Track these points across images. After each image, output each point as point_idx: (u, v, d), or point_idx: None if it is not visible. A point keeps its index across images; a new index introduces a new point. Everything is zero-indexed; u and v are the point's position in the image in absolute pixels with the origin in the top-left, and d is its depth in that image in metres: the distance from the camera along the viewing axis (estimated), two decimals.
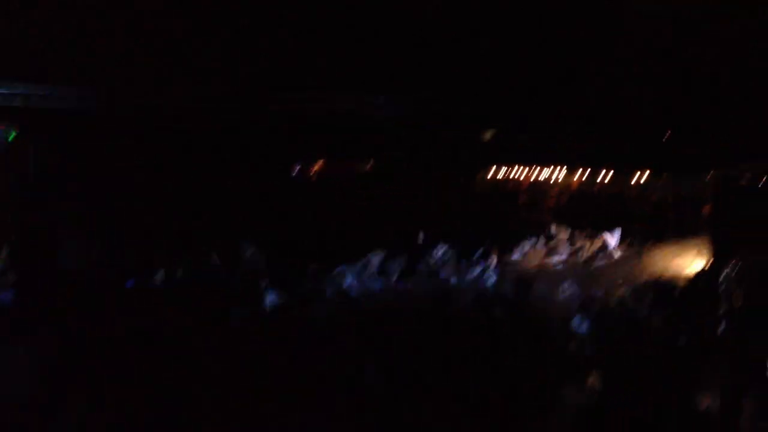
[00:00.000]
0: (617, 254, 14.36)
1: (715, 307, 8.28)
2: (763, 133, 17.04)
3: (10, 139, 20.01)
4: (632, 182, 29.60)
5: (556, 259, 13.54)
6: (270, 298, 10.68)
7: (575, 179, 33.52)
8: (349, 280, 11.61)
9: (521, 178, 34.14)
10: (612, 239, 15.66)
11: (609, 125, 24.05)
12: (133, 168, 20.44)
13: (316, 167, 33.38)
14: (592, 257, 13.72)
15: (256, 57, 21.78)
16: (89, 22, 19.40)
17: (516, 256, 13.78)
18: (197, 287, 11.33)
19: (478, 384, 8.43)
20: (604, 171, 30.27)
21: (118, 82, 20.11)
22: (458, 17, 22.23)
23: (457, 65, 23.16)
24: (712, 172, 18.66)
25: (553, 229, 16.83)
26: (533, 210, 27.44)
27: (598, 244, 15.35)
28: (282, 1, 21.41)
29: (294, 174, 30.85)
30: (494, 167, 33.18)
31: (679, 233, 21.57)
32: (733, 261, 7.13)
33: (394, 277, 12.26)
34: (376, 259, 12.97)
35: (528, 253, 13.91)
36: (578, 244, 14.89)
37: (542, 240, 15.32)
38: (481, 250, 13.88)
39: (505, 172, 34.30)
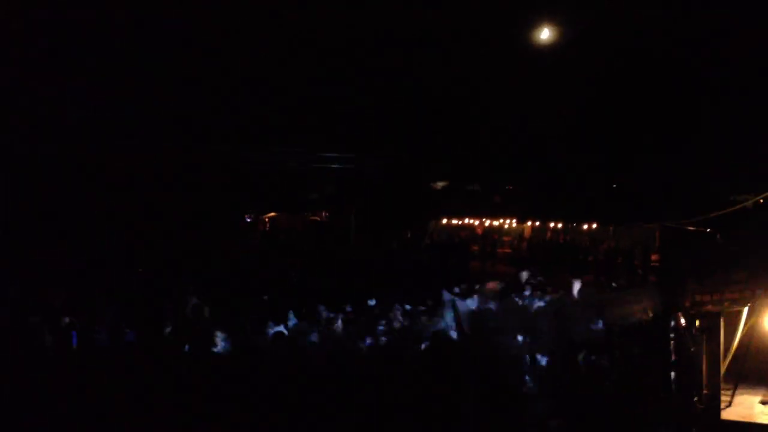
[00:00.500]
0: (568, 299, 14.40)
1: (663, 353, 8.33)
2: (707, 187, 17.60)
3: None
4: (582, 230, 30.24)
5: (509, 304, 13.52)
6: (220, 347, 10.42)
7: (527, 227, 34.10)
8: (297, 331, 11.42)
9: (475, 227, 34.57)
10: (562, 285, 15.78)
11: (560, 180, 24.63)
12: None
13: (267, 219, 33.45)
14: (544, 302, 13.71)
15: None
16: None
17: (469, 302, 13.70)
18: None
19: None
20: (553, 221, 30.92)
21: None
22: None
23: (412, 124, 23.75)
24: (657, 223, 19.10)
25: (504, 276, 16.91)
26: (486, 257, 27.63)
27: (548, 289, 15.38)
28: None
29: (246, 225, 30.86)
30: (447, 217, 33.67)
31: (629, 280, 21.94)
32: (680, 308, 7.22)
33: (344, 327, 12.09)
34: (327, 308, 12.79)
35: (481, 298, 13.84)
36: (530, 290, 14.90)
37: (494, 286, 15.32)
38: (433, 297, 13.84)
39: (459, 222, 34.73)
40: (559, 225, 30.35)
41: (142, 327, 10.55)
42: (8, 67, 18.35)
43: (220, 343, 10.08)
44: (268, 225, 33.16)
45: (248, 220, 31.17)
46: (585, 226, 29.15)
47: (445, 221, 33.31)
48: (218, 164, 22.74)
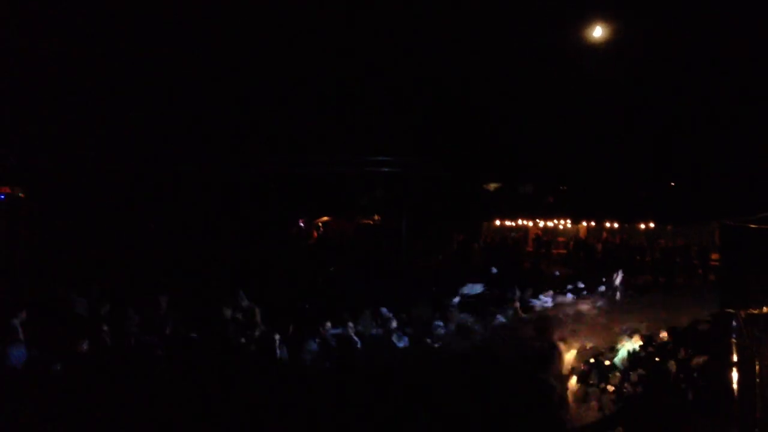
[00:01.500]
0: (627, 300, 14.19)
1: (726, 358, 8.12)
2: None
3: None
4: (639, 230, 29.70)
5: (566, 305, 13.38)
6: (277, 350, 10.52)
7: (582, 228, 33.63)
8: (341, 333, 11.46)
9: (529, 228, 34.28)
10: (620, 286, 15.51)
11: (615, 177, 24.22)
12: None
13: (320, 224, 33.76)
14: (602, 303, 13.51)
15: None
16: None
17: (529, 302, 13.63)
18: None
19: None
20: (609, 221, 30.44)
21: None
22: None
23: (463, 125, 23.73)
24: (717, 221, 18.60)
25: (561, 275, 16.73)
26: (540, 258, 27.37)
27: (607, 290, 15.16)
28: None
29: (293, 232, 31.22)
30: (500, 219, 33.45)
31: (687, 280, 21.44)
32: (741, 307, 7.03)
33: (400, 329, 12.07)
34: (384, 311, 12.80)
35: (542, 300, 13.74)
36: (587, 292, 14.71)
37: (553, 287, 15.18)
38: (491, 297, 13.79)
39: (513, 224, 34.49)
40: (615, 225, 29.90)
41: (201, 330, 10.73)
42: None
43: (277, 346, 10.17)
44: (321, 229, 33.46)
45: (302, 224, 31.52)
46: (642, 226, 28.66)
47: (498, 223, 33.13)
48: (272, 171, 23.09)
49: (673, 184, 24.54)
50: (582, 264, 24.72)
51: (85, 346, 9.20)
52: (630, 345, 10.23)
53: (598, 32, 20.14)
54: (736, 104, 19.43)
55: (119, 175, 21.19)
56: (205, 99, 21.55)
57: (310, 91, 22.78)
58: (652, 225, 28.29)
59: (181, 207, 22.26)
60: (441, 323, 12.05)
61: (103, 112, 20.37)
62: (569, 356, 9.94)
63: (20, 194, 21.45)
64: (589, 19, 20.27)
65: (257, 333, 10.90)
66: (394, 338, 11.14)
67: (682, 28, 19.28)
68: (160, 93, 20.90)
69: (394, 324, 11.57)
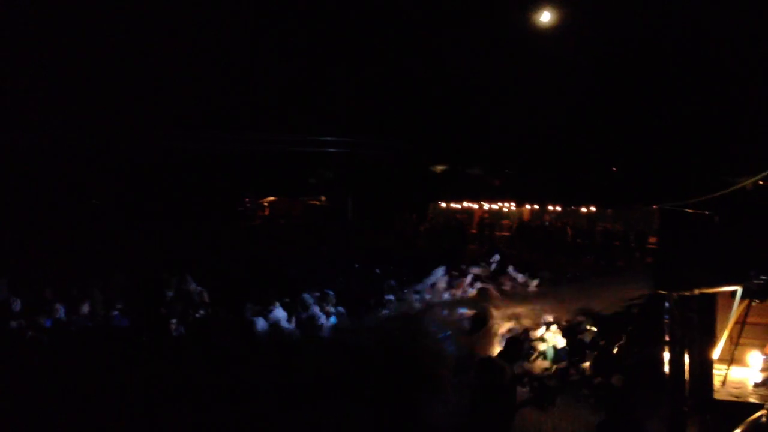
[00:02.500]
0: (564, 283, 14.45)
1: (658, 338, 8.39)
2: (707, 166, 17.56)
3: None
4: (581, 213, 30.26)
5: (503, 287, 13.56)
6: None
7: (526, 211, 34.09)
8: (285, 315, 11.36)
9: (474, 210, 34.57)
10: (557, 269, 15.81)
11: (558, 163, 24.60)
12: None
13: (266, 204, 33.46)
14: (540, 286, 13.73)
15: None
16: None
17: (464, 282, 13.73)
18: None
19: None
20: (552, 204, 30.91)
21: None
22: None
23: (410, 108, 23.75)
24: (655, 205, 19.10)
25: (500, 258, 16.93)
26: (484, 240, 27.66)
27: (544, 273, 15.40)
28: None
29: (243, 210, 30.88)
30: (446, 201, 33.64)
31: (626, 263, 21.98)
32: (677, 293, 7.24)
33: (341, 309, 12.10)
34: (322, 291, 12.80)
35: (476, 280, 13.85)
36: (524, 274, 14.90)
37: (491, 268, 15.30)
38: (430, 278, 13.84)
39: (459, 206, 34.71)
40: (558, 208, 30.41)
41: (139, 311, 10.56)
42: None
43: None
44: (267, 209, 33.18)
45: (247, 204, 31.20)
46: (584, 209, 29.22)
47: (444, 205, 33.34)
48: (217, 149, 22.74)
49: (614, 168, 25.04)
50: (525, 247, 25.13)
51: None
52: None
53: (545, 17, 20.33)
54: (677, 91, 19.88)
55: (56, 153, 20.53)
56: (148, 74, 21.09)
57: (258, 69, 22.50)
58: (593, 209, 28.87)
59: (123, 187, 21.77)
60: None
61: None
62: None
63: None
64: (536, 3, 20.45)
65: (200, 314, 10.80)
66: (323, 320, 11.11)
67: (626, 12, 19.63)
68: (103, 66, 20.38)
69: (317, 309, 11.49)
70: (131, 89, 20.93)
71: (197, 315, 10.71)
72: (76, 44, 19.76)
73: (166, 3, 20.33)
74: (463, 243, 25.10)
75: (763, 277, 6.74)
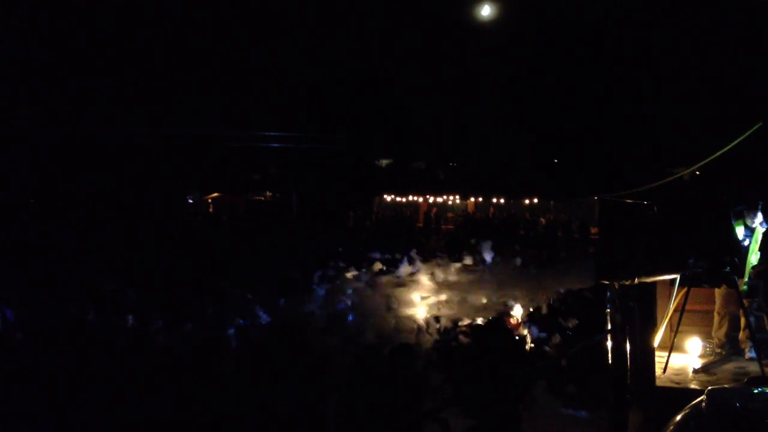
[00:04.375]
0: (506, 272, 14.61)
1: (600, 324, 8.52)
2: (645, 160, 17.92)
3: None
4: (524, 205, 30.64)
5: (448, 277, 13.65)
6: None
7: (471, 203, 34.35)
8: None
9: (419, 204, 34.67)
10: (498, 258, 15.95)
11: (501, 156, 24.87)
12: None
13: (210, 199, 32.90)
14: (481, 275, 13.85)
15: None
16: None
17: (413, 273, 13.75)
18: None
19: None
20: (495, 197, 31.25)
21: None
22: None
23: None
24: (595, 196, 19.40)
25: (444, 250, 17.02)
26: (430, 233, 27.74)
27: (486, 263, 15.52)
28: None
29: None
30: (392, 195, 33.65)
31: (567, 254, 22.33)
32: (618, 282, 7.37)
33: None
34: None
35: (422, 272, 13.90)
36: (467, 264, 15.01)
37: (435, 261, 15.37)
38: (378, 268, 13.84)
39: (404, 199, 34.76)
40: (501, 200, 30.75)
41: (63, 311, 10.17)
42: None
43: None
44: (211, 206, 32.66)
45: (190, 201, 30.58)
46: (526, 201, 29.61)
47: (389, 199, 33.37)
48: (159, 143, 22.23)
49: (555, 160, 25.43)
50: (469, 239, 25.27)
51: None
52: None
53: (486, 11, 20.43)
54: (618, 83, 20.24)
55: None
56: (86, 64, 20.55)
57: (202, 62, 22.10)
58: (535, 200, 29.27)
59: (57, 183, 21.08)
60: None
61: None
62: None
63: None
64: None
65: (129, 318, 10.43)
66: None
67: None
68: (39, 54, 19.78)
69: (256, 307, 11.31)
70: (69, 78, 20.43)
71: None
72: None
73: None
74: (410, 236, 25.12)
75: (700, 265, 6.88)
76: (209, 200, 32.67)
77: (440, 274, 13.53)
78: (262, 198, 31.67)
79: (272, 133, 23.76)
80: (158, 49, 21.44)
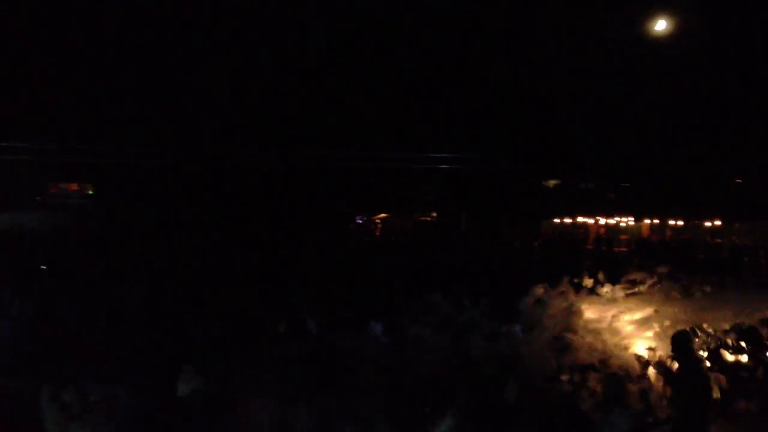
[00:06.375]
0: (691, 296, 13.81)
1: None
2: None
3: None
4: (704, 228, 28.88)
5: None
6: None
7: (645, 226, 32.86)
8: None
9: (589, 226, 33.64)
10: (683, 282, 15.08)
11: (679, 173, 23.67)
12: None
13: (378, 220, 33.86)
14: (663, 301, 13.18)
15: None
16: None
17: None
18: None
19: None
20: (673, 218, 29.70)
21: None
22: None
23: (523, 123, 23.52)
24: None
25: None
26: (602, 257, 26.83)
27: (667, 288, 14.73)
28: None
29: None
30: (560, 216, 32.90)
31: (756, 276, 20.74)
32: None
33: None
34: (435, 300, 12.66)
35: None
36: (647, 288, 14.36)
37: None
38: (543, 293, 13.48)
39: (572, 221, 33.88)
40: (680, 222, 29.21)
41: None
42: None
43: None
44: (379, 226, 33.58)
45: (359, 221, 31.67)
46: (708, 223, 27.92)
47: (557, 220, 32.67)
48: (330, 167, 23.23)
49: (738, 180, 23.88)
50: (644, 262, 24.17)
51: None
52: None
53: (661, 25, 19.65)
54: None
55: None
56: (259, 90, 21.85)
57: (369, 87, 22.87)
58: (718, 223, 27.54)
59: (234, 203, 22.60)
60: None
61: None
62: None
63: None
64: (651, 13, 19.84)
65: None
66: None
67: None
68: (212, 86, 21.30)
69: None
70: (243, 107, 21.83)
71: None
72: None
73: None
74: (580, 258, 24.46)
75: None
76: (377, 221, 33.64)
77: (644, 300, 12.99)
78: (428, 218, 32.16)
79: (440, 154, 24.08)
80: (328, 73, 22.42)
